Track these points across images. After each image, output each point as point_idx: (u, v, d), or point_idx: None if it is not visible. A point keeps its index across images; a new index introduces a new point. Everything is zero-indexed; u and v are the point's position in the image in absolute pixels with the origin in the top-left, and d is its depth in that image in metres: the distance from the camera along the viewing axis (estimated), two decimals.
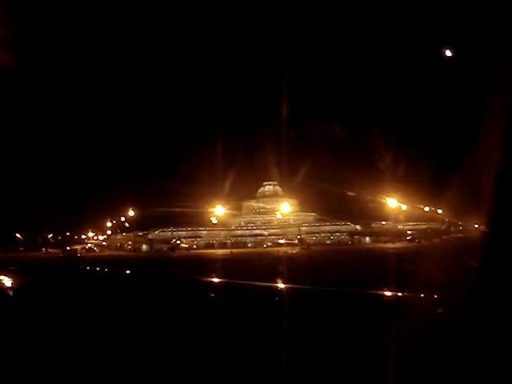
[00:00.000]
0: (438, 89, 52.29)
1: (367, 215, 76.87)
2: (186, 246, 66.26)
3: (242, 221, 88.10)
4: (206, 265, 30.27)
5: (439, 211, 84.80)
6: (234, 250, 54.29)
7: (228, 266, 29.22)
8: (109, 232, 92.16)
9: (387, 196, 68.13)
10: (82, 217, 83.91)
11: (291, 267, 25.69)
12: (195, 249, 67.65)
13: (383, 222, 77.42)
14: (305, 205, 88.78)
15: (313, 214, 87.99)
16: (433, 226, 78.81)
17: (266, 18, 67.16)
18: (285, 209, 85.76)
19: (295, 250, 54.05)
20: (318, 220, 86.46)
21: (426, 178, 58.84)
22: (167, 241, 69.69)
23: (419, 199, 71.53)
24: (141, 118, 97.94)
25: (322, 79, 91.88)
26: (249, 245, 77.30)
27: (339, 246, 68.83)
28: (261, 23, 77.48)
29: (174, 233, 76.43)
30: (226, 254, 45.75)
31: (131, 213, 71.96)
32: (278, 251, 49.64)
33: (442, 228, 68.60)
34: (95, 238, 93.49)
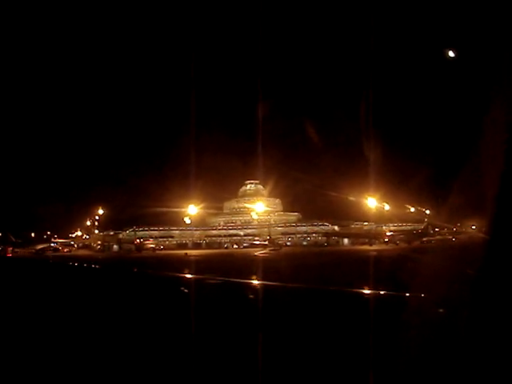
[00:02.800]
0: (440, 90, 50.91)
1: (351, 216, 74.27)
2: (153, 246, 63.51)
3: (221, 220, 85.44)
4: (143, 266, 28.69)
5: (427, 212, 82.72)
6: (191, 252, 51.50)
7: (175, 267, 27.34)
8: (96, 231, 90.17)
9: (372, 196, 65.87)
10: (71, 216, 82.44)
11: (243, 271, 23.72)
12: (162, 249, 64.84)
13: (365, 223, 74.50)
14: (289, 204, 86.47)
15: (296, 213, 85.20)
16: (417, 227, 76.23)
17: (245, 16, 64.76)
18: (265, 208, 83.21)
19: (262, 252, 51.21)
20: (301, 220, 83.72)
21: (421, 179, 57.58)
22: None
23: (411, 200, 69.98)
24: (121, 118, 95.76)
25: (313, 78, 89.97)
26: (225, 245, 74.56)
27: (313, 247, 66.11)
28: (239, 22, 75.17)
29: (146, 232, 73.96)
30: (180, 256, 43.13)
31: (101, 211, 69.53)
32: (241, 253, 47.26)
33: (420, 230, 65.57)
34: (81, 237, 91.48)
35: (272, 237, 67.20)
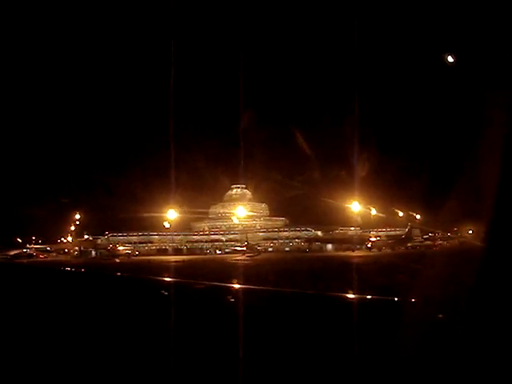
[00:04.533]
0: (436, 94, 50.03)
1: (339, 220, 72.37)
2: (128, 251, 61.61)
3: (206, 225, 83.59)
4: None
5: (417, 217, 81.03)
6: (162, 257, 49.66)
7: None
8: (86, 236, 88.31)
9: (359, 201, 64.26)
10: (61, 220, 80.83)
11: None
12: (138, 255, 62.99)
13: (351, 228, 72.50)
14: (276, 209, 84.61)
15: (282, 218, 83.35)
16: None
17: (232, 20, 63.31)
18: (251, 213, 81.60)
19: (237, 258, 49.53)
20: (287, 225, 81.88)
21: (415, 184, 56.56)
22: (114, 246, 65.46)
23: (403, 205, 68.61)
24: (107, 122, 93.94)
25: (300, 81, 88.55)
26: (208, 251, 72.68)
27: (296, 253, 64.30)
28: (224, 24, 73.76)
29: (125, 237, 72.16)
30: (146, 261, 41.52)
31: (77, 216, 67.80)
32: (216, 259, 45.63)
33: (403, 235, 63.61)
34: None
35: (252, 242, 65.33)
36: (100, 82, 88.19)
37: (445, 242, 76.03)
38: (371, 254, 55.24)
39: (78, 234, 74.53)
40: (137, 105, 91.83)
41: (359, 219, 66.60)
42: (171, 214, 66.27)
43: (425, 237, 74.20)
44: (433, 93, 50.81)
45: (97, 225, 74.81)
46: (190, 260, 44.78)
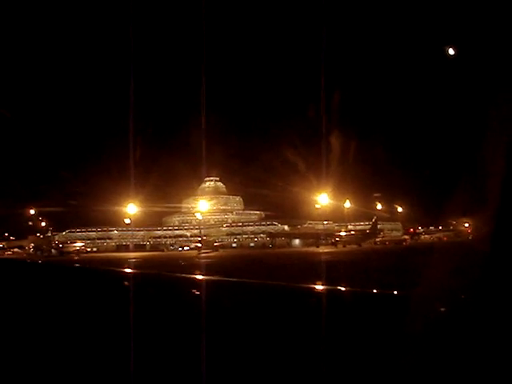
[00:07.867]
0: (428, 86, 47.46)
1: (314, 214, 68.86)
2: (77, 248, 58.23)
3: (177, 220, 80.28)
4: None
5: (399, 209, 77.61)
6: (117, 254, 46.19)
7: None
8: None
9: (329, 194, 61.19)
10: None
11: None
12: (89, 252, 59.72)
13: (325, 222, 68.85)
14: (252, 202, 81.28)
15: (257, 212, 79.84)
16: (385, 225, 71.35)
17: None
18: (224, 207, 78.45)
19: (185, 256, 46.29)
20: (263, 219, 78.35)
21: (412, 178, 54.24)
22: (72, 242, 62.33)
23: (395, 199, 65.97)
24: (68, 113, 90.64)
25: (283, 71, 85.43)
26: (172, 247, 69.37)
27: (257, 249, 60.94)
28: (184, 20, 70.08)
29: (83, 234, 68.99)
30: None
31: (32, 211, 64.48)
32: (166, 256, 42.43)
33: (368, 230, 59.77)
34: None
35: (215, 238, 61.91)
36: (59, 76, 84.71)
37: (429, 237, 72.78)
38: (335, 249, 51.75)
39: (42, 230, 71.24)
40: (102, 97, 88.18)
41: (323, 213, 63.50)
42: (131, 209, 62.99)
43: (416, 231, 71.35)
44: (426, 85, 48.06)
45: (63, 221, 71.94)
46: (124, 257, 41.78)
